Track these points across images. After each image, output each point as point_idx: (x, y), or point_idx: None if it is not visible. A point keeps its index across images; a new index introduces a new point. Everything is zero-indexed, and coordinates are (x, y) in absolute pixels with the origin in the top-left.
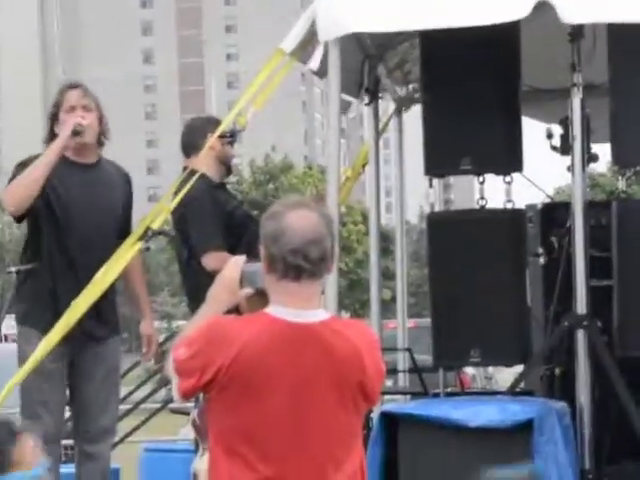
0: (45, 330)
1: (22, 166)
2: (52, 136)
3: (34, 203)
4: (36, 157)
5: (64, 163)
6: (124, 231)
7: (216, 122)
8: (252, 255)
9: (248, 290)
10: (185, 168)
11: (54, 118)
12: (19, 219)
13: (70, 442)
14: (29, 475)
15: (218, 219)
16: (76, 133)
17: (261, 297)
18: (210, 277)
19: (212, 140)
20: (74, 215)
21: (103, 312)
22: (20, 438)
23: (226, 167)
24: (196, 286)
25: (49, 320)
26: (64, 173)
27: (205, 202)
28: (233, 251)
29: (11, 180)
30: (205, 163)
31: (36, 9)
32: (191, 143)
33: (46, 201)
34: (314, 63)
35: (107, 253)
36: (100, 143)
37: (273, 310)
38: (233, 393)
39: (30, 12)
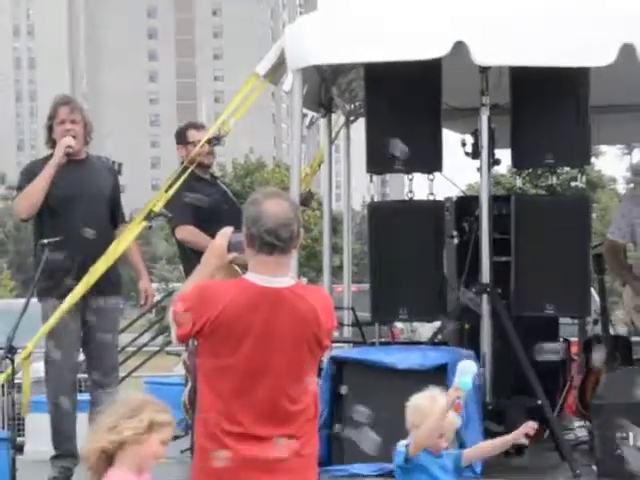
0: (61, 296)
1: (26, 173)
2: (50, 140)
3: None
4: (36, 162)
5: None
6: (114, 211)
7: (187, 126)
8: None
9: (234, 254)
10: (182, 164)
11: (50, 128)
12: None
13: (85, 376)
14: None
15: (189, 203)
16: (68, 154)
17: (230, 266)
18: (192, 249)
19: (202, 143)
20: (66, 202)
21: (108, 273)
22: None
23: (201, 165)
24: (183, 254)
25: (63, 288)
26: (59, 171)
27: (181, 190)
28: (204, 227)
29: (18, 188)
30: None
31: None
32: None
33: (45, 197)
34: (286, 86)
35: (101, 230)
36: (86, 142)
37: (250, 277)
38: (216, 341)
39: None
